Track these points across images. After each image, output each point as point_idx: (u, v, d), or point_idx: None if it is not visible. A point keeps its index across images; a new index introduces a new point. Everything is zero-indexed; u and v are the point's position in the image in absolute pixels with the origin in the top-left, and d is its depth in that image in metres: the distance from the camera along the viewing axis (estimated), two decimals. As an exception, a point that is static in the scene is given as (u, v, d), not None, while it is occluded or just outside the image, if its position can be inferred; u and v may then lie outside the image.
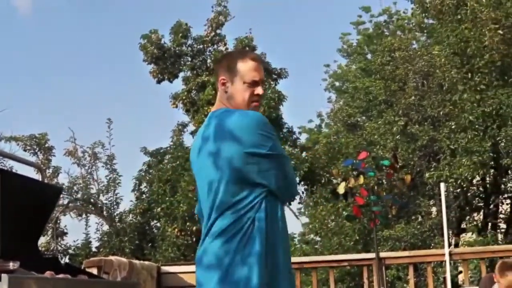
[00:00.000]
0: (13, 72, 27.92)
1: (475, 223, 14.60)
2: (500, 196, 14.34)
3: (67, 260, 15.59)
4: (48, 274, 3.27)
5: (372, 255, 7.50)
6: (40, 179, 4.59)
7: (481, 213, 14.57)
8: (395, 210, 8.92)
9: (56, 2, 28.52)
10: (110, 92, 28.00)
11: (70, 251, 15.99)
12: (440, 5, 13.21)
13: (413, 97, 13.22)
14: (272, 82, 16.84)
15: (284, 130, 16.53)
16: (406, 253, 8.43)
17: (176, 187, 14.69)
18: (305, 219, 21.21)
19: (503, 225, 14.61)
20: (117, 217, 16.15)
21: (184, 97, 16.50)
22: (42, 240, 15.38)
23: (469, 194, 14.12)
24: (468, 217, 14.64)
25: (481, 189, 14.44)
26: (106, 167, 16.40)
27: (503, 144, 12.03)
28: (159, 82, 17.05)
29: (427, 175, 12.48)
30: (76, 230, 30.34)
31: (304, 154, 16.51)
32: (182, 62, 17.09)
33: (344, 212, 13.56)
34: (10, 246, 3.32)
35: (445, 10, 13.20)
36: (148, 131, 29.62)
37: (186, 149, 15.83)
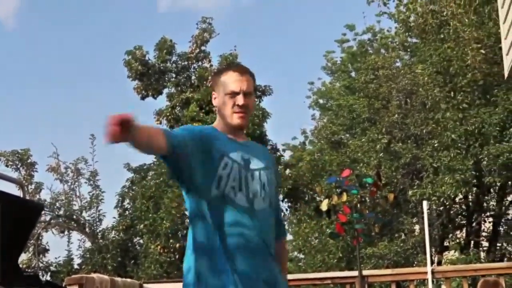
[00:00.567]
0: (-5, 87, 27.78)
1: (457, 241, 14.65)
2: (483, 214, 14.40)
3: (48, 278, 15.45)
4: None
5: (355, 273, 7.49)
6: (21, 196, 4.55)
7: (464, 231, 14.62)
8: (378, 228, 8.94)
9: (40, 17, 28.47)
10: (94, 108, 27.89)
11: (51, 268, 15.87)
12: (423, 24, 13.33)
13: (396, 115, 13.29)
14: (256, 99, 16.88)
15: (268, 147, 16.56)
16: (389, 271, 8.44)
17: (159, 204, 14.64)
18: (288, 236, 21.18)
19: (485, 243, 14.66)
20: (99, 233, 16.06)
21: (168, 114, 16.48)
22: (23, 257, 15.24)
23: (451, 212, 14.17)
24: (450, 235, 14.69)
25: (463, 207, 14.51)
26: (89, 183, 16.37)
27: (485, 162, 12.10)
28: (143, 98, 17.03)
29: (410, 193, 12.52)
30: (58, 246, 30.06)
31: (287, 171, 16.53)
32: (166, 78, 17.10)
33: (327, 230, 13.55)
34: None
35: (428, 30, 13.32)
36: (132, 147, 29.46)
37: (170, 166, 15.78)
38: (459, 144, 12.12)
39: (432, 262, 9.05)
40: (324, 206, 7.59)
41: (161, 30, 30.94)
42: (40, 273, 15.25)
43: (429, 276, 7.26)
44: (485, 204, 14.34)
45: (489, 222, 14.68)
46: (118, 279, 7.05)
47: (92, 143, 16.44)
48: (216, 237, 2.53)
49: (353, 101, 15.66)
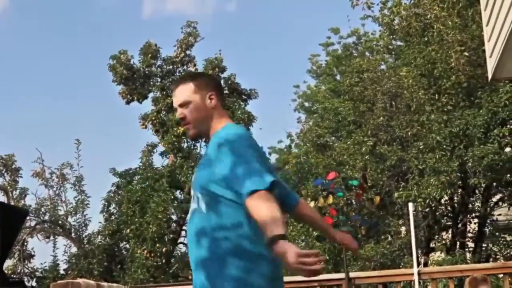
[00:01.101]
0: (-21, 93, 27.60)
1: (443, 242, 14.70)
2: (468, 215, 14.47)
3: (34, 283, 15.37)
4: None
5: (342, 275, 7.51)
6: (6, 201, 4.53)
7: (450, 232, 14.69)
8: (364, 230, 8.96)
9: (25, 23, 28.33)
10: (79, 112, 27.77)
11: (37, 273, 15.78)
12: (407, 27, 13.39)
13: (381, 118, 13.34)
14: (242, 103, 16.89)
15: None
16: (375, 273, 8.46)
17: (145, 208, 14.60)
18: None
19: (471, 244, 14.73)
20: (85, 238, 15.98)
21: (153, 118, 16.45)
22: (8, 263, 15.15)
23: (437, 213, 14.23)
24: (436, 236, 14.74)
25: (449, 208, 14.57)
26: (74, 188, 16.27)
27: (470, 164, 12.16)
28: (128, 102, 17.00)
29: (396, 195, 12.56)
30: (44, 252, 29.88)
31: (274, 174, 16.48)
32: (151, 82, 17.07)
33: (314, 233, 13.56)
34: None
35: (412, 33, 13.38)
36: (117, 152, 29.43)
37: (156, 170, 15.77)
38: (444, 146, 12.18)
39: (418, 264, 9.08)
40: (310, 209, 7.59)
41: (145, 35, 30.84)
42: (25, 279, 15.16)
43: (415, 278, 7.29)
44: (470, 205, 14.41)
45: (475, 223, 14.75)
46: (105, 284, 7.03)
47: (77, 148, 16.38)
48: None
49: (338, 104, 15.71)
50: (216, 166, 2.57)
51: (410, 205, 7.72)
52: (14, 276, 14.78)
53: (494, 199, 14.56)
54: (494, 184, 13.62)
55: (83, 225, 16.11)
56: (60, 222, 16.14)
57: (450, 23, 12.22)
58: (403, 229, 13.94)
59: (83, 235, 16.04)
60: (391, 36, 15.34)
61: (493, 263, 11.43)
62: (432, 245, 14.67)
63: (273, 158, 20.90)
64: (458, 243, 14.17)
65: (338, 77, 19.71)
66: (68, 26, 28.02)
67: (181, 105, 2.75)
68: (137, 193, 14.97)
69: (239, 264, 2.51)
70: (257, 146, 2.66)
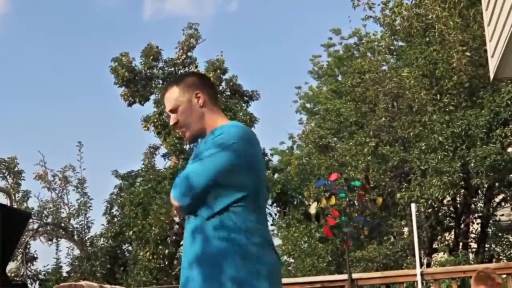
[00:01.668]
0: (-19, 96, 27.64)
1: (446, 242, 14.70)
2: (471, 216, 14.46)
3: (37, 286, 15.38)
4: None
5: (344, 276, 7.51)
6: (9, 204, 4.53)
7: (452, 232, 14.67)
8: (367, 231, 8.95)
9: (25, 25, 28.37)
10: (81, 115, 27.82)
11: (40, 276, 15.78)
12: (408, 28, 13.39)
13: (383, 119, 13.34)
14: (243, 104, 16.90)
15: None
16: (378, 274, 8.46)
17: (148, 210, 14.59)
18: (278, 241, 21.16)
19: (474, 245, 14.72)
20: (88, 241, 15.98)
21: (155, 120, 16.46)
22: (11, 266, 15.15)
23: (440, 214, 14.22)
24: (439, 237, 14.74)
25: (451, 209, 14.56)
26: (77, 190, 16.26)
27: (472, 164, 12.15)
28: (130, 105, 17.01)
29: (398, 195, 12.56)
30: (47, 255, 29.89)
31: (276, 176, 16.54)
32: (153, 84, 17.08)
33: (317, 234, 13.56)
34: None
35: (414, 33, 13.38)
36: (120, 154, 29.45)
37: (158, 172, 15.77)
38: (446, 146, 12.17)
39: (421, 264, 9.07)
40: (312, 209, 7.60)
41: (147, 37, 30.87)
42: (28, 282, 15.17)
43: (418, 278, 7.29)
44: (473, 206, 14.40)
45: (477, 224, 14.74)
46: (107, 286, 7.03)
47: (79, 150, 16.37)
48: None
49: (340, 105, 15.70)
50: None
51: (413, 205, 7.71)
52: (17, 278, 14.78)
53: (497, 200, 14.54)
54: (497, 184, 13.61)
55: (85, 227, 16.12)
56: (62, 224, 16.14)
57: (451, 23, 12.22)
58: (405, 230, 13.94)
59: (86, 238, 16.05)
60: (392, 37, 15.34)
61: (496, 264, 11.42)
62: (435, 245, 14.67)
63: (275, 160, 20.90)
64: (461, 243, 14.16)
65: (339, 78, 19.71)
66: (69, 28, 28.06)
67: (171, 111, 2.75)
68: (139, 195, 14.97)
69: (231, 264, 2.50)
70: (248, 150, 2.61)
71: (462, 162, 12.15)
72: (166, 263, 14.59)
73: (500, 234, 14.80)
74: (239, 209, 2.54)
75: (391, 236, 13.97)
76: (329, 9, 33.38)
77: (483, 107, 12.17)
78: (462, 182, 12.90)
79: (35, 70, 28.25)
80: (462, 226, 14.35)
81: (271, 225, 18.51)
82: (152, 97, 16.99)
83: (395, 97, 13.57)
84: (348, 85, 14.80)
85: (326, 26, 34.22)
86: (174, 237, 15.34)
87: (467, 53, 12.09)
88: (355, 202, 10.67)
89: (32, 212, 15.54)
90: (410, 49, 13.72)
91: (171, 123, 2.75)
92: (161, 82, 17.13)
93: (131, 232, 14.68)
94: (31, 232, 15.74)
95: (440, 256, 14.77)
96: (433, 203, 12.75)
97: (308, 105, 22.26)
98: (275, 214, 16.60)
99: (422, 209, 13.08)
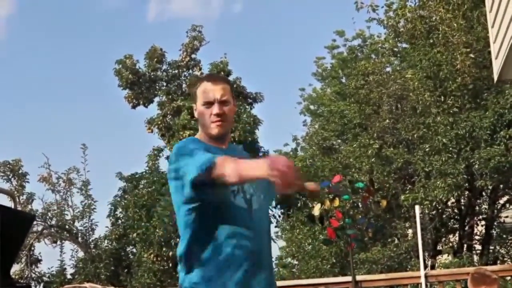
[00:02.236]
0: (-14, 98, 27.70)
1: (450, 244, 14.68)
2: (475, 218, 14.44)
3: (41, 288, 15.39)
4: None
5: (348, 278, 7.51)
6: (13, 207, 4.54)
7: (457, 234, 14.65)
8: (371, 233, 8.96)
9: (29, 27, 28.43)
10: (85, 117, 27.87)
11: (44, 278, 15.81)
12: (412, 29, 13.38)
13: (387, 120, 13.32)
14: (247, 106, 16.90)
15: (260, 154, 16.56)
16: (382, 276, 8.45)
17: (152, 212, 14.61)
18: (282, 243, 21.18)
19: (478, 247, 14.69)
20: (92, 243, 16.01)
21: (159, 122, 16.48)
22: (15, 268, 15.19)
23: (444, 216, 14.20)
24: (443, 238, 14.71)
25: (456, 211, 14.54)
26: (81, 193, 16.29)
27: (476, 166, 12.13)
28: (134, 107, 17.04)
29: (402, 197, 12.54)
30: (51, 257, 29.94)
31: (280, 177, 16.45)
32: (157, 87, 17.11)
33: (320, 236, 13.56)
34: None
35: (418, 35, 13.37)
36: (124, 156, 29.50)
37: (162, 174, 15.78)
38: (450, 148, 12.15)
39: (425, 266, 9.06)
40: (316, 211, 7.60)
41: (151, 39, 30.89)
42: (33, 284, 15.20)
43: (422, 280, 7.28)
44: (477, 208, 14.38)
45: (482, 226, 14.71)
46: (111, 288, 7.04)
47: (83, 153, 16.40)
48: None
49: (344, 107, 15.69)
50: None
51: (417, 207, 7.72)
52: (22, 280, 14.81)
53: (501, 201, 14.52)
54: (501, 186, 13.59)
55: (90, 229, 16.15)
56: (67, 226, 16.16)
57: (455, 25, 12.21)
58: (410, 231, 13.92)
59: (90, 240, 16.07)
60: (396, 39, 15.33)
61: (501, 266, 11.41)
62: (439, 247, 14.64)
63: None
64: (465, 245, 14.14)
65: (343, 80, 19.69)
66: (72, 28, 28.10)
67: (223, 102, 2.77)
68: (143, 197, 14.99)
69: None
70: None
71: (466, 164, 12.13)
72: (170, 265, 14.59)
73: (504, 236, 14.76)
74: None
75: (395, 238, 13.95)
76: (333, 11, 33.41)
77: (487, 109, 12.16)
78: (466, 184, 12.88)
79: (39, 72, 28.31)
80: (467, 228, 14.33)
81: (275, 227, 18.53)
82: (156, 99, 17.03)
83: (399, 99, 13.56)
84: (352, 87, 14.80)
85: (330, 28, 34.24)
86: (178, 239, 15.33)
87: (471, 55, 12.08)
88: (359, 204, 10.67)
89: (36, 214, 15.58)
90: (414, 51, 13.70)
91: (221, 110, 2.75)
92: (165, 84, 17.15)
93: (135, 234, 14.70)
94: (35, 234, 15.77)
95: (445, 258, 14.74)
96: (437, 205, 12.73)
97: (312, 107, 22.24)
98: (279, 216, 16.60)
99: (426, 211, 13.07)
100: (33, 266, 15.98)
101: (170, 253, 14.33)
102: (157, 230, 14.10)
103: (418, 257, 9.21)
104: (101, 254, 15.17)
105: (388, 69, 15.55)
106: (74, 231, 16.11)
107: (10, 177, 16.38)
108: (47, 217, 16.24)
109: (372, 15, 15.09)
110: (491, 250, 14.34)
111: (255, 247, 2.64)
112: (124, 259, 15.63)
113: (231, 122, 2.85)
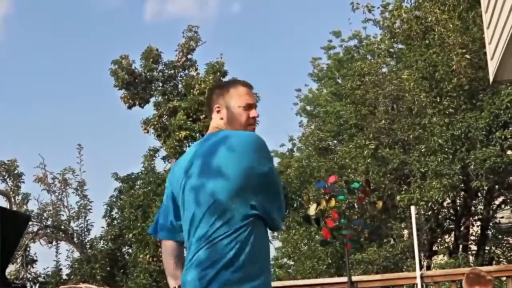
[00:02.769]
0: (-19, 98, 27.64)
1: (446, 245, 14.70)
2: (471, 218, 14.47)
3: (36, 289, 15.36)
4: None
5: (344, 279, 7.50)
6: (8, 207, 4.53)
7: (452, 235, 14.67)
8: (367, 233, 8.97)
9: (25, 27, 28.38)
10: (80, 117, 27.81)
11: (40, 279, 15.76)
12: (408, 30, 13.40)
13: (383, 121, 13.34)
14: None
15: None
16: (378, 277, 8.45)
17: (147, 213, 14.58)
18: (278, 243, 21.17)
19: (474, 247, 14.72)
20: (88, 243, 15.97)
21: (155, 122, 16.46)
22: (11, 268, 15.15)
23: (440, 216, 14.22)
24: (439, 239, 14.73)
25: (451, 211, 14.56)
26: (76, 193, 16.26)
27: (472, 166, 12.15)
28: (130, 107, 17.01)
29: (398, 198, 12.56)
30: (46, 257, 29.85)
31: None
32: (153, 87, 17.08)
33: (317, 236, 13.56)
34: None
35: (413, 36, 13.38)
36: (119, 156, 29.44)
37: (158, 174, 15.77)
38: (446, 149, 12.18)
39: (421, 267, 9.08)
40: (312, 211, 7.60)
41: (148, 39, 30.89)
42: (28, 285, 15.16)
43: (418, 281, 7.29)
44: (473, 208, 14.41)
45: (477, 226, 14.74)
46: (107, 289, 7.03)
47: (79, 153, 16.36)
48: None
49: (340, 108, 15.71)
50: None
51: (413, 208, 7.72)
52: (17, 281, 14.77)
53: (497, 202, 14.55)
54: (497, 186, 13.62)
55: (85, 230, 16.11)
56: (62, 227, 16.13)
57: (451, 25, 12.22)
58: (405, 232, 13.94)
59: (86, 240, 16.04)
60: (392, 39, 15.35)
61: (496, 266, 11.42)
62: (434, 248, 14.66)
63: (275, 162, 20.87)
64: (460, 246, 14.17)
65: (339, 81, 19.69)
66: (70, 29, 28.07)
67: (255, 106, 2.99)
68: (139, 198, 14.96)
69: None
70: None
71: (462, 165, 12.15)
72: (166, 265, 14.56)
73: (500, 236, 14.81)
74: None
75: (391, 239, 13.97)
76: (329, 11, 33.41)
77: (483, 110, 12.18)
78: (462, 185, 12.91)
79: (35, 72, 28.25)
80: (462, 228, 14.36)
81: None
82: (152, 99, 17.00)
83: (395, 100, 13.58)
84: (348, 88, 14.82)
85: (326, 28, 34.28)
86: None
87: (467, 56, 12.10)
88: (355, 204, 10.67)
89: (32, 215, 15.55)
90: (410, 51, 13.73)
91: (255, 115, 2.97)
92: (161, 84, 17.13)
93: (131, 235, 14.67)
94: (30, 234, 15.74)
95: (440, 258, 14.76)
96: (433, 206, 12.76)
97: (308, 108, 22.24)
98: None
99: (422, 212, 13.09)
100: (29, 267, 15.94)
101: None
102: (153, 231, 14.07)
103: (413, 257, 9.22)
104: (96, 255, 15.14)
105: (384, 69, 15.57)
106: (70, 232, 16.08)
107: (5, 177, 16.34)
108: (43, 218, 16.20)
109: (368, 16, 15.13)
110: (486, 251, 14.37)
111: None
112: (120, 259, 15.60)
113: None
